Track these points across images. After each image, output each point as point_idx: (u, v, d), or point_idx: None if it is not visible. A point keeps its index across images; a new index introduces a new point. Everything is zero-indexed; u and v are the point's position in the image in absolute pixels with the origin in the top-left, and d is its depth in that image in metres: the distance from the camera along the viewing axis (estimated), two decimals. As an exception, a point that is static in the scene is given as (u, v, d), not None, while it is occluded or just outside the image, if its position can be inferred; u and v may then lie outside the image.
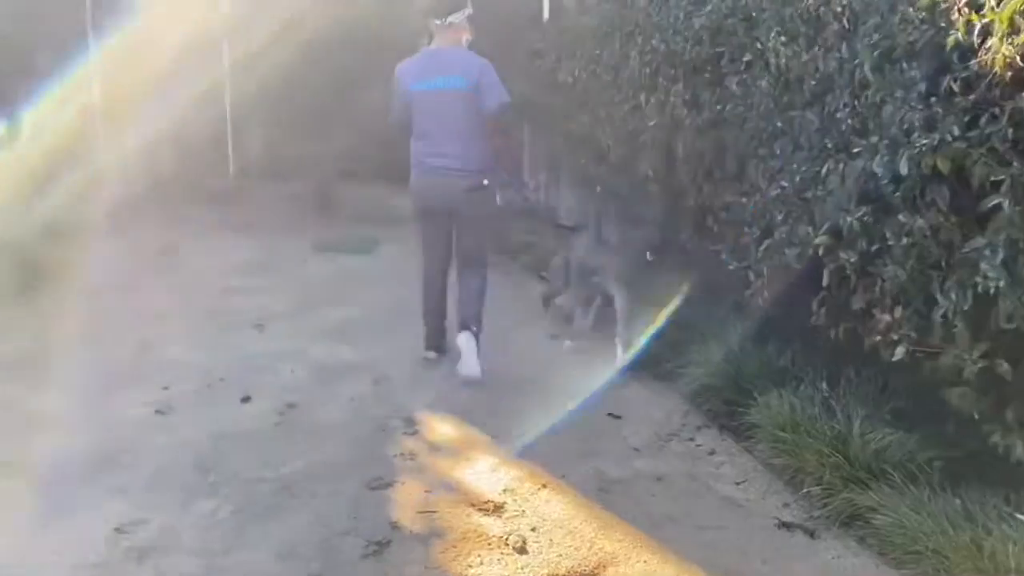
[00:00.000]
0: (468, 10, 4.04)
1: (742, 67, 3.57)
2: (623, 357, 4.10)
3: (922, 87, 2.49)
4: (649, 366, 3.94)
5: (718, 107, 3.67)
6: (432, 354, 4.28)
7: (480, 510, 2.89)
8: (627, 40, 4.93)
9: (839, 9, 3.00)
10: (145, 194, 7.60)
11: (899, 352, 2.63)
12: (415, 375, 4.12)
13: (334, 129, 8.22)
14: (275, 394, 3.85)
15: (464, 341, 4.07)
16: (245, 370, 4.14)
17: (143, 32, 7.60)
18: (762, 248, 3.29)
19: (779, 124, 3.24)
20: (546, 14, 8.23)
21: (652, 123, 4.36)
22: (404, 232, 6.47)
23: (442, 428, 3.53)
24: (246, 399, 3.79)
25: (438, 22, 4.01)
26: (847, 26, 2.97)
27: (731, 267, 3.73)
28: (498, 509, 2.89)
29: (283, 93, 8.20)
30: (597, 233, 4.71)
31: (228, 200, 8.39)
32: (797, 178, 3.09)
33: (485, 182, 4.08)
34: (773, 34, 3.29)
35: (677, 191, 4.20)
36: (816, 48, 3.09)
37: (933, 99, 2.44)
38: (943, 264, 2.48)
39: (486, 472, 3.16)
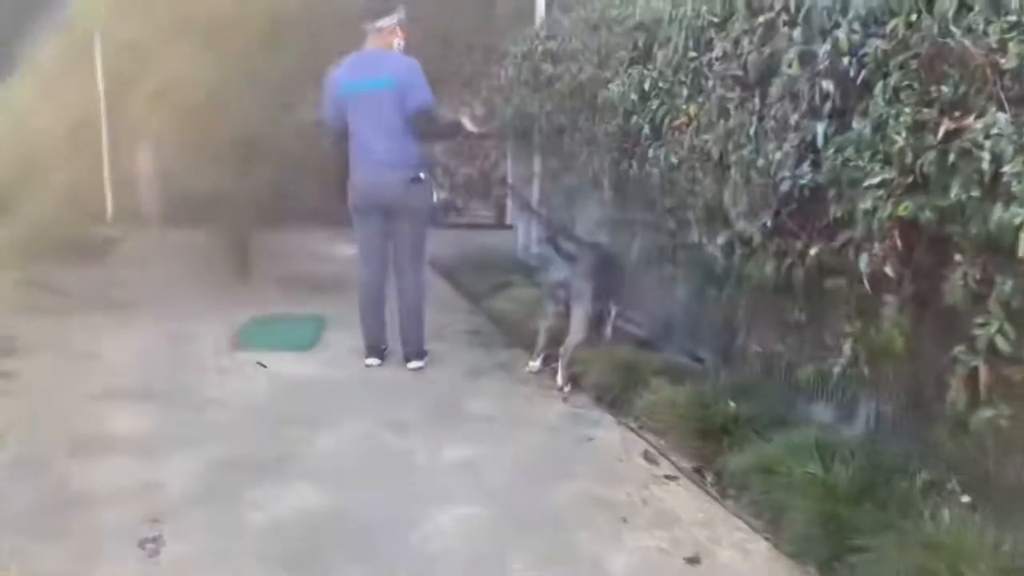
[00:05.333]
0: (399, 14, 4.14)
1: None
2: (565, 391, 3.91)
3: None
4: None
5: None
6: (375, 360, 4.27)
7: None
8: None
9: None
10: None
11: None
12: None
13: (253, 157, 6.02)
14: None
15: (415, 368, 4.23)
16: None
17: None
18: None
19: None
20: (542, 9, 6.24)
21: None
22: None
23: None
24: None
25: (368, 26, 4.11)
26: None
27: None
28: None
29: (183, 107, 5.97)
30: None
31: (103, 259, 6.05)
32: None
33: (422, 175, 4.15)
34: None
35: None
36: None
37: None
38: None
39: None
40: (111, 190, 6.56)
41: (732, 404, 3.28)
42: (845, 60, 2.61)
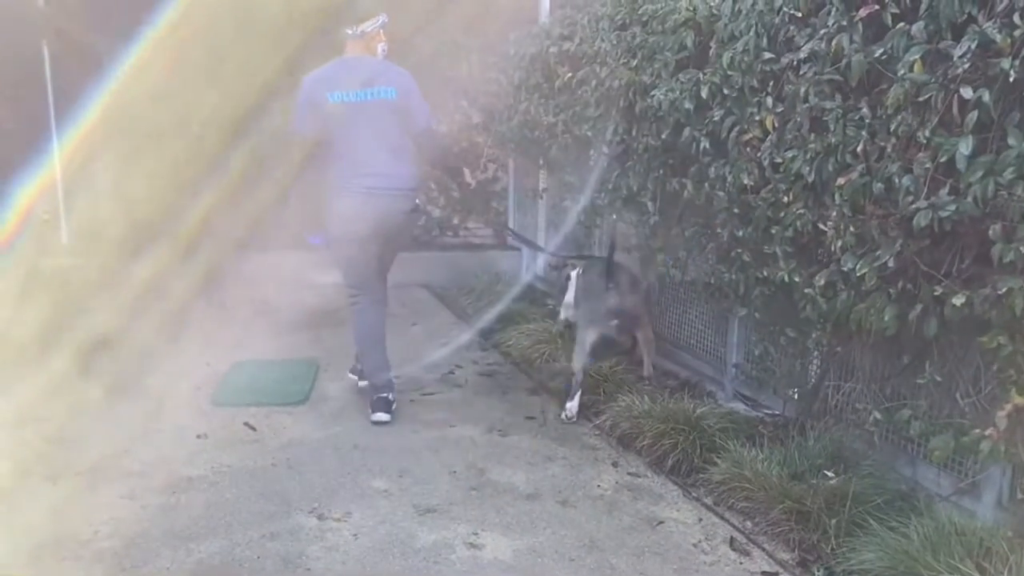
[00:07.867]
0: (383, 18, 3.69)
1: None
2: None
3: None
4: None
5: None
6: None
7: None
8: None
9: None
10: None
11: None
12: None
13: (222, 172, 5.39)
14: None
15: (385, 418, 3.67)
16: None
17: None
18: None
19: None
20: (546, 5, 5.67)
21: None
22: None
23: None
24: None
25: (349, 31, 3.64)
26: None
27: None
28: None
29: (144, 117, 5.40)
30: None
31: (55, 291, 5.31)
32: None
33: (417, 202, 3.79)
34: None
35: None
36: None
37: None
38: None
39: None
40: (64, 211, 5.83)
41: (830, 475, 2.75)
42: (1005, 63, 2.07)
